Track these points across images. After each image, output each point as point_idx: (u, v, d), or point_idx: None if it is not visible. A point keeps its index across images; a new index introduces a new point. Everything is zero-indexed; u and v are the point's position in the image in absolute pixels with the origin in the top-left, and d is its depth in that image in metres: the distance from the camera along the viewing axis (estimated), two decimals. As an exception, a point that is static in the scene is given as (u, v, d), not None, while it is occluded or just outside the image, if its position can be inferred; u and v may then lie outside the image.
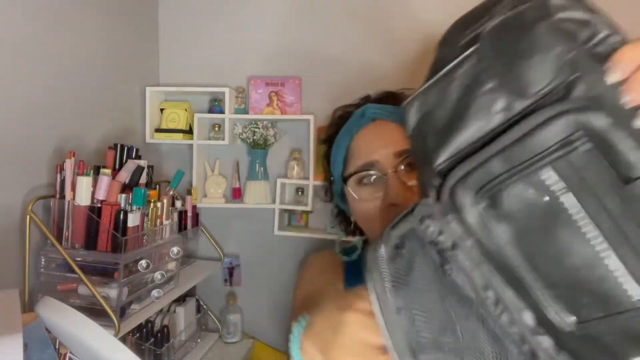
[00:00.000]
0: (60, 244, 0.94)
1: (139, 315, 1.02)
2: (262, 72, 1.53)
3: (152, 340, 1.21)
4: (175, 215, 1.22)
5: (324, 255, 0.90)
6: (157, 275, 1.07)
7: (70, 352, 0.70)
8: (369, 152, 0.72)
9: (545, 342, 0.28)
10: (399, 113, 0.74)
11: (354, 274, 0.82)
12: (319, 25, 1.52)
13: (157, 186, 1.19)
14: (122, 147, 1.12)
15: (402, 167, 0.69)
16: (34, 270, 0.96)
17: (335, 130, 0.82)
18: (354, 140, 0.75)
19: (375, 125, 0.75)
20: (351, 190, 0.74)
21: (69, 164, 0.96)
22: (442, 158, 0.32)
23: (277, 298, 1.55)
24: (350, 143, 0.76)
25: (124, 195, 0.99)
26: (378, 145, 0.71)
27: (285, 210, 1.53)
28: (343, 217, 0.87)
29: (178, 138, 1.46)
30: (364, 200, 0.72)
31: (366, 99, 0.83)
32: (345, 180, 0.75)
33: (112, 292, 0.93)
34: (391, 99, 0.80)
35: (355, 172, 0.72)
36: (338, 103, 0.90)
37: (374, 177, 0.71)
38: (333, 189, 0.83)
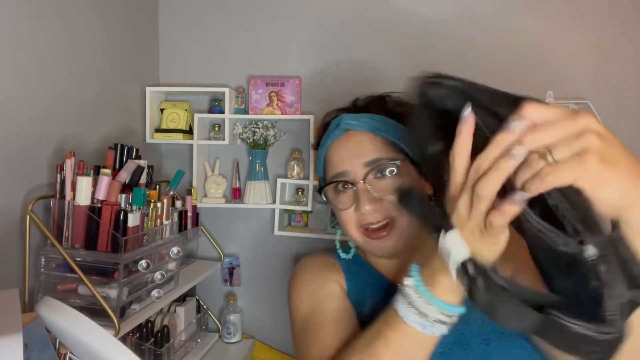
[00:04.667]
0: (60, 244, 0.94)
1: (139, 315, 1.02)
2: (262, 72, 1.53)
3: (152, 340, 1.21)
4: (175, 215, 1.22)
5: (314, 257, 0.90)
6: (157, 275, 1.07)
7: (70, 352, 0.70)
8: (340, 163, 0.76)
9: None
10: (372, 123, 0.78)
11: (354, 272, 0.82)
12: (319, 25, 1.52)
13: (157, 186, 1.19)
14: (122, 147, 1.11)
15: (372, 176, 0.74)
16: (34, 270, 0.96)
17: (321, 135, 0.86)
18: (329, 151, 0.79)
19: (348, 136, 0.77)
20: (330, 198, 0.79)
21: (69, 164, 0.96)
22: None
23: (277, 298, 1.55)
24: (327, 153, 0.80)
25: (124, 195, 0.99)
26: (348, 155, 0.75)
27: (285, 210, 1.53)
28: None
29: (178, 138, 1.46)
30: (339, 209, 0.77)
31: (355, 103, 0.87)
32: (320, 190, 0.80)
33: (112, 292, 0.93)
34: (377, 103, 0.83)
35: (328, 183, 0.78)
36: (338, 103, 0.90)
37: (345, 185, 0.76)
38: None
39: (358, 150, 0.75)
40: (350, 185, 0.75)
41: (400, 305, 0.55)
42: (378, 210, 0.72)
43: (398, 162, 0.73)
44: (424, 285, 0.52)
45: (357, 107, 0.84)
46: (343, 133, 0.78)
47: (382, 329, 0.57)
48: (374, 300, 0.78)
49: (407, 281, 0.55)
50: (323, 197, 0.80)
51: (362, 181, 0.73)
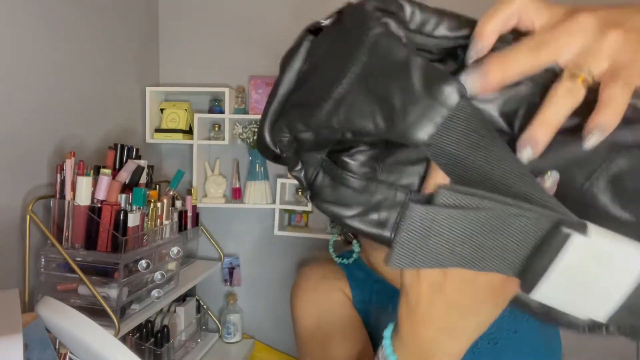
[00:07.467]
0: (60, 244, 0.94)
1: (139, 315, 1.02)
2: (263, 72, 1.53)
3: (152, 340, 1.21)
4: (175, 215, 1.22)
5: (316, 265, 0.86)
6: (157, 275, 1.07)
7: (70, 352, 0.70)
8: None
9: None
10: None
11: (359, 280, 0.79)
12: (319, 25, 1.52)
13: (157, 186, 1.19)
14: (122, 147, 1.11)
15: None
16: (34, 270, 0.96)
17: None
18: None
19: None
20: None
21: (69, 164, 0.96)
22: None
23: (277, 298, 1.55)
24: None
25: (124, 195, 0.99)
26: None
27: (285, 210, 1.53)
28: None
29: (178, 138, 1.46)
30: None
31: None
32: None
33: (112, 292, 0.93)
34: None
35: None
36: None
37: None
38: None
39: None
40: None
41: None
42: None
43: None
44: (399, 358, 0.43)
45: None
46: None
47: None
48: (380, 309, 0.75)
49: (381, 351, 0.46)
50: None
51: None
